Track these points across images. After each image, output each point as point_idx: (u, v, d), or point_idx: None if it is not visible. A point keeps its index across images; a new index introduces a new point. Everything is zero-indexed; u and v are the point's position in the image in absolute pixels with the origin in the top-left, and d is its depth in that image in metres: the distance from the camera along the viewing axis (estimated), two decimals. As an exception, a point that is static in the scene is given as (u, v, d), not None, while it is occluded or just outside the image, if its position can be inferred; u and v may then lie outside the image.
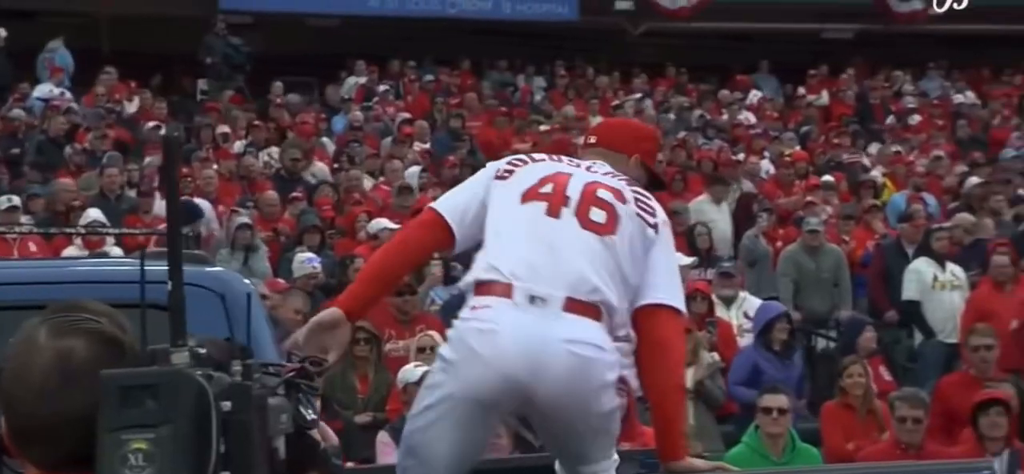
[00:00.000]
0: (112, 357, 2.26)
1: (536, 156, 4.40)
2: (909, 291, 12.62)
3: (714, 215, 14.57)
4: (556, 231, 4.04)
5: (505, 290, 3.95)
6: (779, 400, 8.44)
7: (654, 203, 4.27)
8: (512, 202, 4.11)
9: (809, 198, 15.10)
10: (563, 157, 4.41)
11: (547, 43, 24.44)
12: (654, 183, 4.56)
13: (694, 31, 24.76)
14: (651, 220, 4.18)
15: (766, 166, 17.88)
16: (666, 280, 4.17)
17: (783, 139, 19.31)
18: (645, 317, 4.12)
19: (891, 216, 15.08)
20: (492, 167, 4.31)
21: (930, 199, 15.85)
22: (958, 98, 23.11)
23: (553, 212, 4.07)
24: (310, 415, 2.51)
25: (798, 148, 18.86)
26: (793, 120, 21.58)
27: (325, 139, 18.93)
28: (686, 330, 4.25)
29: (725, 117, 21.35)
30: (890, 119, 21.93)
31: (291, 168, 16.08)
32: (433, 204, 4.30)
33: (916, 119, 21.73)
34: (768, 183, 16.92)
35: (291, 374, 2.49)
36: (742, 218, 14.87)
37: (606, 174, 4.28)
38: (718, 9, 24.60)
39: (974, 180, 16.57)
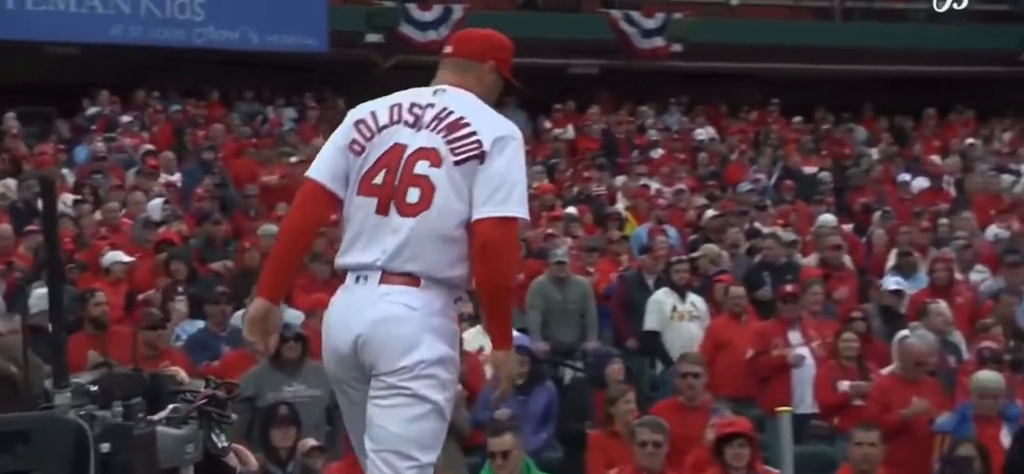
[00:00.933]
0: (3, 394, 2.20)
1: (380, 118, 4.80)
2: (650, 322, 12.94)
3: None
4: (382, 224, 4.63)
5: (342, 280, 4.73)
6: (503, 442, 8.70)
7: (480, 133, 4.66)
8: (354, 190, 4.71)
9: (549, 230, 15.35)
10: (403, 104, 4.80)
11: (296, 75, 24.25)
12: (508, 89, 5.04)
13: (443, 65, 24.87)
14: (475, 151, 4.63)
15: (514, 199, 18.06)
16: (488, 193, 4.59)
17: (531, 172, 19.62)
18: (471, 232, 4.59)
19: (634, 248, 15.46)
20: (346, 129, 4.84)
21: (671, 231, 16.30)
22: (699, 133, 23.84)
23: (381, 209, 4.63)
24: (222, 442, 2.47)
25: (546, 181, 19.18)
26: (541, 154, 21.93)
27: (65, 171, 18.36)
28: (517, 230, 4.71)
29: (474, 150, 21.51)
30: (635, 153, 22.50)
31: (29, 201, 15.53)
32: (311, 173, 4.83)
33: (659, 153, 22.35)
34: (516, 215, 17.10)
35: (203, 402, 2.45)
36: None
37: (435, 121, 4.70)
38: (467, 43, 24.78)
39: (712, 213, 17.12)
